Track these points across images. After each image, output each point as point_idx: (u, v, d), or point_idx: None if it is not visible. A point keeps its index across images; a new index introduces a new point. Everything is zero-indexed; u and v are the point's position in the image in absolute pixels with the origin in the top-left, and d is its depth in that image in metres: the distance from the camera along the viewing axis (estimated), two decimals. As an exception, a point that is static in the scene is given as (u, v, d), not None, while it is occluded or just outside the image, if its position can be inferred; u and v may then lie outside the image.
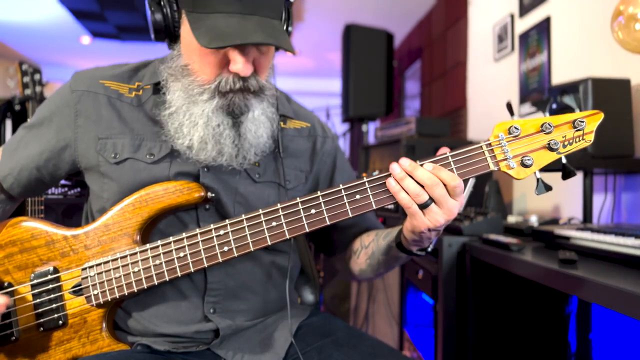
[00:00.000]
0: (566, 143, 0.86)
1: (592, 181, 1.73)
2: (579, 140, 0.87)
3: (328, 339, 1.03)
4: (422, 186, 0.84)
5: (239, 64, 0.91)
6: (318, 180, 1.15)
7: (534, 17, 2.46)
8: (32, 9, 4.79)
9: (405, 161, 0.85)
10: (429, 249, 0.98)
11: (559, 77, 2.25)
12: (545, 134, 0.87)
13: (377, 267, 1.08)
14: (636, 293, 0.84)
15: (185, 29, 0.94)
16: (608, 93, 1.56)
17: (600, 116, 0.87)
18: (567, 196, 2.07)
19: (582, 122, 0.86)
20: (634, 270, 1.04)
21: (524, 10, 2.56)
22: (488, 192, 2.04)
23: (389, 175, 0.87)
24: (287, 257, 1.10)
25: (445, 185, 0.84)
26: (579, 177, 1.80)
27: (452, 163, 0.87)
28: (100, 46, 5.92)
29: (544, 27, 2.35)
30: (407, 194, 0.85)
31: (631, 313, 0.85)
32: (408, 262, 2.18)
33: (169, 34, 0.97)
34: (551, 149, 0.86)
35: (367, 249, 1.09)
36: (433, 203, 0.85)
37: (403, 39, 5.25)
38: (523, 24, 2.57)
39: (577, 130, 0.86)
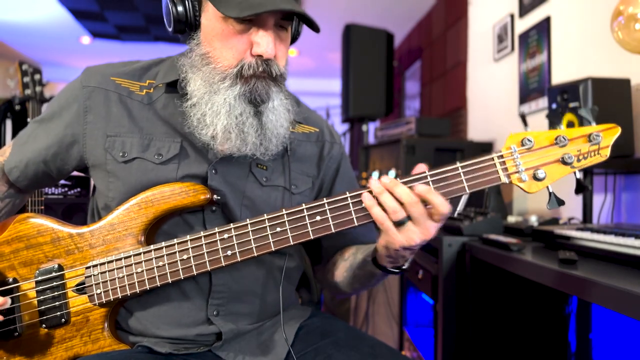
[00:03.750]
0: (581, 157, 0.83)
1: (592, 181, 1.73)
2: (594, 155, 0.83)
3: (328, 339, 1.03)
4: (402, 204, 0.82)
5: (263, 45, 0.91)
6: (322, 185, 1.14)
7: (534, 17, 2.46)
8: (32, 9, 4.78)
9: (386, 178, 0.84)
10: (404, 267, 0.95)
11: (559, 77, 2.26)
12: (559, 147, 0.84)
13: (352, 281, 1.06)
14: (636, 293, 0.84)
15: (207, 16, 0.95)
16: (608, 93, 1.56)
17: (618, 130, 0.83)
18: (567, 196, 2.07)
19: (598, 135, 0.83)
20: (634, 270, 1.04)
21: (524, 10, 2.56)
22: (488, 192, 2.05)
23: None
24: (291, 259, 1.09)
25: (432, 207, 0.82)
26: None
27: (461, 174, 0.85)
28: (100, 46, 5.93)
29: (544, 27, 2.35)
30: (384, 210, 0.83)
31: (631, 313, 0.85)
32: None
33: (188, 24, 0.96)
34: (565, 163, 0.83)
35: (346, 262, 1.08)
36: (410, 221, 0.83)
37: (403, 39, 5.25)
38: (523, 24, 2.57)
39: (592, 144, 0.83)
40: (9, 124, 2.40)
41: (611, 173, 1.81)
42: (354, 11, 4.50)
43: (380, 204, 0.84)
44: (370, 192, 0.85)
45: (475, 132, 3.18)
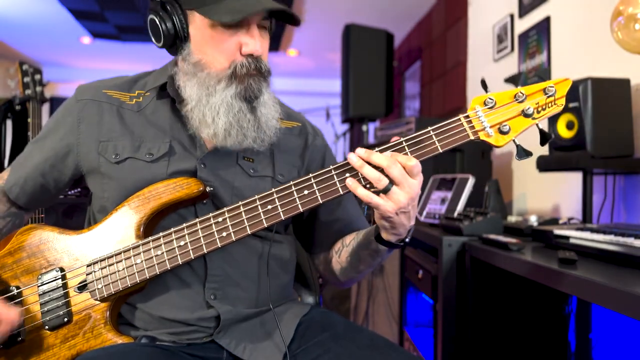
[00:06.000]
0: (540, 109, 0.91)
1: (591, 181, 1.73)
2: (552, 106, 0.92)
3: (327, 332, 1.05)
4: (381, 170, 0.88)
5: (252, 44, 0.99)
6: (309, 173, 1.18)
7: (534, 17, 2.46)
8: (32, 8, 4.78)
9: (360, 150, 0.90)
10: (407, 240, 1.00)
11: (558, 77, 2.25)
12: (518, 102, 0.92)
13: (358, 263, 1.09)
14: (636, 293, 0.84)
15: (195, 26, 1.02)
16: (608, 93, 1.56)
17: (569, 82, 0.93)
18: (566, 196, 2.07)
19: (552, 87, 0.92)
20: (634, 270, 1.04)
21: (523, 10, 2.56)
22: (488, 192, 2.05)
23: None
24: (284, 247, 1.12)
25: (403, 167, 0.88)
26: (578, 177, 1.80)
27: (433, 136, 0.91)
28: (100, 46, 5.93)
29: (543, 27, 2.35)
30: (368, 183, 0.89)
31: (631, 313, 0.86)
32: (408, 262, 2.19)
33: (179, 37, 1.03)
34: (526, 115, 0.91)
35: (348, 246, 1.11)
36: (394, 186, 0.88)
37: (403, 39, 5.25)
38: (523, 24, 2.57)
39: (548, 97, 0.91)
40: (9, 124, 2.40)
41: (611, 173, 1.81)
42: (354, 11, 4.50)
43: (363, 179, 0.90)
44: (352, 175, 0.91)
45: (475, 132, 3.18)
